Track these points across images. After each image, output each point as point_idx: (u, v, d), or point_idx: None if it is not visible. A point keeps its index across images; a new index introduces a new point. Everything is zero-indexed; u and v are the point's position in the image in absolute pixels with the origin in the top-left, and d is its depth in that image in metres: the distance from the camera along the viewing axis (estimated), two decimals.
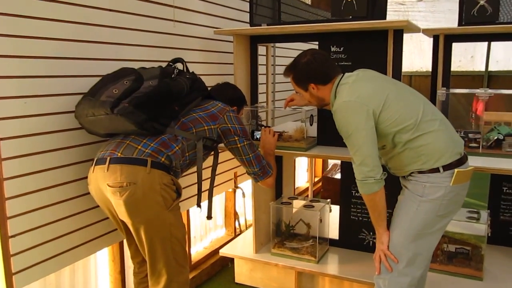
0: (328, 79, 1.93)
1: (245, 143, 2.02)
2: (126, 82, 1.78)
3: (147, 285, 2.00)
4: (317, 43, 2.59)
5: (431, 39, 2.59)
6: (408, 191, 1.87)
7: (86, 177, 1.94)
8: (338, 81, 1.92)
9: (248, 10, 2.66)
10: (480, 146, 2.31)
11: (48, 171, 1.81)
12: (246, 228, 3.35)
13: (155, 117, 1.79)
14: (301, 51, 2.00)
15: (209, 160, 2.14)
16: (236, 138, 2.00)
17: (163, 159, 1.78)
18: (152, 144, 1.78)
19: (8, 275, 1.68)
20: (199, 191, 2.02)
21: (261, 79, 2.94)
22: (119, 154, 1.76)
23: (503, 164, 2.15)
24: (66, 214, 1.91)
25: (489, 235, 2.37)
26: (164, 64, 2.04)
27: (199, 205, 2.05)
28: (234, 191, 3.26)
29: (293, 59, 2.02)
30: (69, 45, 1.86)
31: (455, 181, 1.77)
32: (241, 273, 2.87)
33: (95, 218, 2.05)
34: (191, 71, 2.05)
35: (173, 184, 1.81)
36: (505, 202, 2.76)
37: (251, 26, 2.62)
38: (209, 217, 2.10)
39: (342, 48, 2.50)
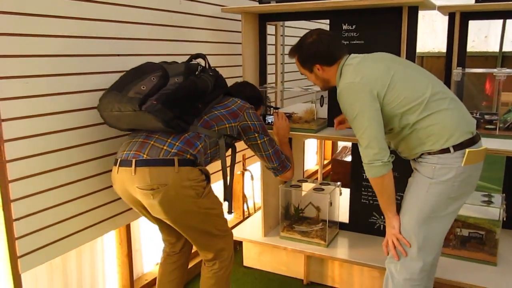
0: (334, 60, 1.88)
1: (265, 139, 2.03)
2: (153, 79, 1.74)
3: (173, 261, 2.11)
4: (328, 21, 2.50)
5: (444, 19, 2.49)
6: (418, 173, 1.81)
7: (93, 159, 1.94)
8: (344, 62, 1.87)
9: None
10: (497, 128, 2.23)
11: (52, 153, 1.77)
12: (255, 211, 3.32)
13: (181, 115, 1.76)
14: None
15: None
16: (256, 135, 2.01)
17: (188, 156, 1.77)
18: (177, 144, 1.76)
19: (13, 258, 1.66)
20: (225, 187, 2.03)
21: (270, 59, 2.87)
22: (144, 156, 1.73)
23: None
24: (72, 196, 1.88)
25: (504, 219, 2.31)
26: (167, 44, 1.96)
27: (226, 200, 2.06)
28: (243, 174, 3.22)
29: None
30: (74, 23, 1.80)
31: (466, 161, 1.70)
32: (249, 257, 2.84)
33: (101, 200, 2.02)
34: (212, 67, 2.02)
35: (201, 174, 1.80)
36: None
37: (260, 3, 2.53)
38: (230, 211, 2.11)
39: (354, 26, 2.41)
